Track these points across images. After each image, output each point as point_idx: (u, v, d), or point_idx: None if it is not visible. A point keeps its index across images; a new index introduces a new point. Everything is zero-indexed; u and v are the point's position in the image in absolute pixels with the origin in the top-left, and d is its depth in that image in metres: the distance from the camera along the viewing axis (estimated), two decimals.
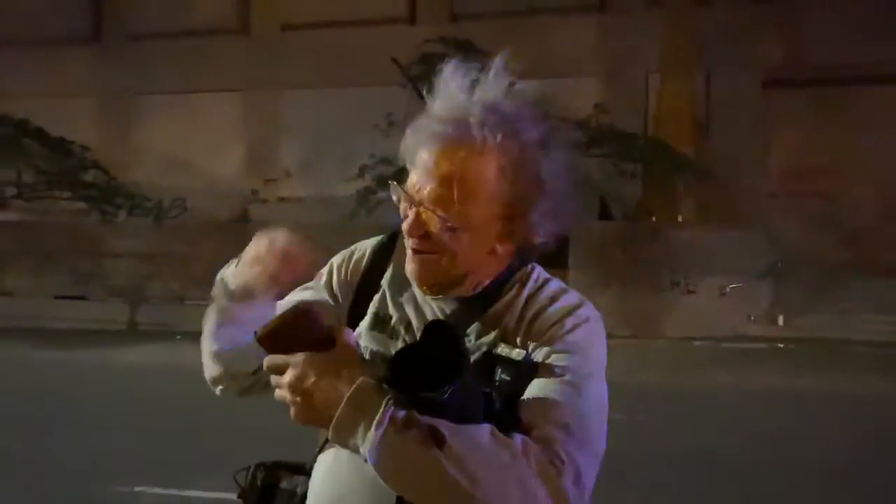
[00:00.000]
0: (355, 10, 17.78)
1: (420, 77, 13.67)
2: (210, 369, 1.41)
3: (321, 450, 1.27)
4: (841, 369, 10.45)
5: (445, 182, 1.17)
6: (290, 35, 18.56)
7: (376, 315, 1.28)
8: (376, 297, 1.31)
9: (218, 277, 1.41)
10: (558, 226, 1.24)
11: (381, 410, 1.03)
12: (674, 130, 15.04)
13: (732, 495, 5.31)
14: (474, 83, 1.21)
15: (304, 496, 1.30)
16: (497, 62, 1.23)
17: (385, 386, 1.05)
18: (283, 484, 1.34)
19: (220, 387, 1.44)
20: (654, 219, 14.76)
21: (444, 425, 1.03)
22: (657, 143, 14.69)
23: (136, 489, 5.20)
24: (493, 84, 1.21)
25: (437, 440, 1.02)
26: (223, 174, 17.83)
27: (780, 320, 13.55)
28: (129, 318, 16.60)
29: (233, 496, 1.38)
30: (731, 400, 9.06)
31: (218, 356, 1.40)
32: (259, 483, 1.35)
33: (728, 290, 13.65)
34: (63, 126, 15.78)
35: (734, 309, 13.56)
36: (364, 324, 1.29)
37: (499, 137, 1.18)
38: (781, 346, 12.47)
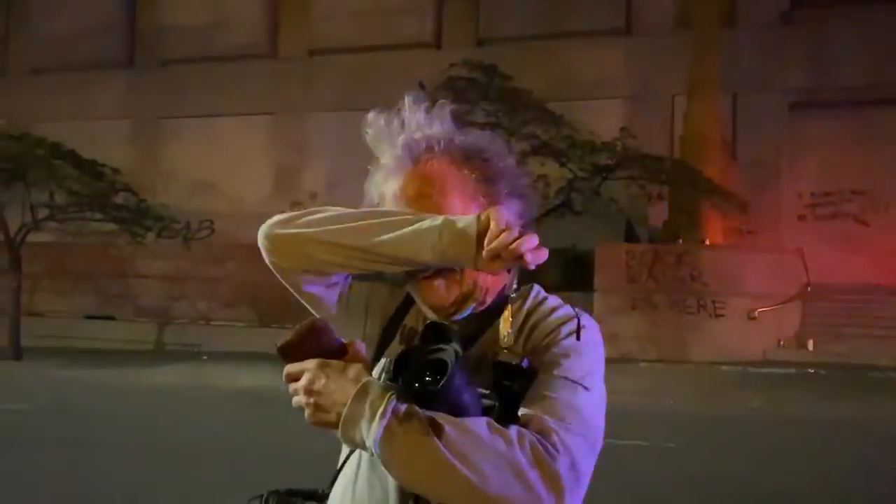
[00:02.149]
0: (382, 34, 18.01)
1: (447, 101, 13.77)
2: None
3: (340, 469, 1.32)
4: (872, 395, 10.24)
5: (422, 195, 1.28)
6: (318, 59, 18.82)
7: (404, 327, 1.34)
8: (409, 314, 1.37)
9: None
10: (523, 204, 1.33)
11: (384, 404, 1.09)
12: (700, 153, 14.97)
13: None
14: (401, 120, 1.33)
15: None
16: (406, 98, 1.35)
17: (388, 383, 1.13)
18: None
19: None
20: (680, 241, 14.65)
21: (442, 417, 1.09)
22: (683, 165, 14.63)
23: None
24: (413, 115, 1.34)
25: (437, 430, 1.08)
26: (250, 197, 18.04)
27: (810, 345, 13.34)
28: (157, 339, 16.76)
29: None
30: (760, 426, 8.91)
31: None
32: None
33: (757, 313, 13.47)
34: (95, 149, 16.07)
35: (763, 333, 13.38)
36: (396, 339, 1.35)
37: (441, 143, 1.30)
38: (811, 371, 12.26)
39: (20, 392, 10.92)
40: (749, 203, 14.57)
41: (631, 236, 15.58)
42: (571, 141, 13.98)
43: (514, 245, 1.14)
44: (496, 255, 1.15)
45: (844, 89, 15.45)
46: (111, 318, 17.25)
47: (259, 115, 18.84)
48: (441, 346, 1.13)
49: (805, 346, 13.37)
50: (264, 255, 1.30)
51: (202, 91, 18.68)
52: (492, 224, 1.16)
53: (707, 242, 14.95)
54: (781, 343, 13.49)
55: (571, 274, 13.85)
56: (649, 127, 15.34)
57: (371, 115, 1.35)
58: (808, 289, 13.84)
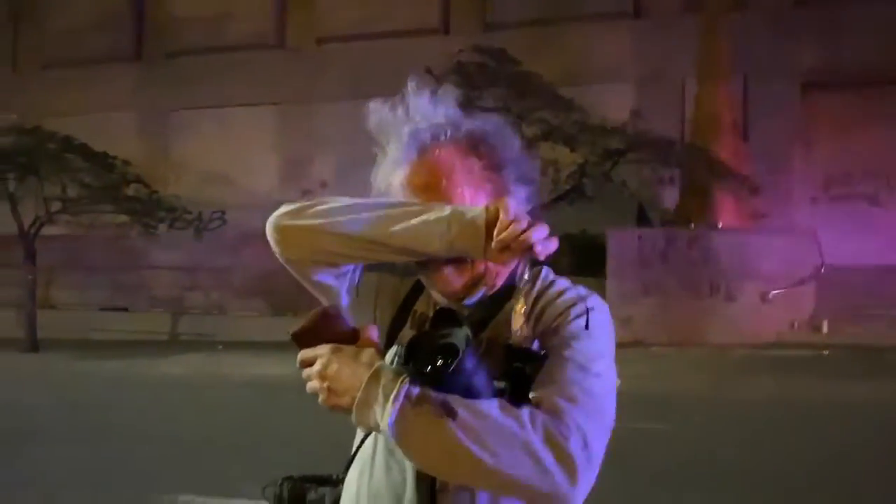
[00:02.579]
0: (389, 21, 17.94)
1: (455, 87, 13.71)
2: None
3: (355, 453, 1.33)
4: (887, 377, 10.19)
5: (429, 185, 1.28)
6: (326, 48, 18.79)
7: (414, 313, 1.35)
8: (419, 300, 1.37)
9: None
10: (530, 189, 1.33)
11: (396, 388, 1.11)
12: (711, 135, 14.87)
13: None
14: (406, 108, 1.32)
15: None
16: (410, 84, 1.33)
17: (400, 367, 1.15)
18: (311, 495, 1.40)
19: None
20: (692, 225, 14.58)
21: (455, 399, 1.11)
22: (695, 148, 14.54)
23: (180, 498, 5.26)
24: (420, 99, 1.32)
25: (449, 412, 1.10)
26: (261, 186, 18.07)
27: (825, 327, 13.27)
28: (171, 329, 16.86)
29: None
30: (774, 409, 8.89)
31: None
32: (286, 496, 1.40)
33: (770, 296, 13.41)
34: (106, 142, 16.13)
35: (776, 315, 13.32)
36: (407, 325, 1.36)
37: (447, 132, 1.30)
38: (826, 353, 12.20)
39: (37, 384, 11.03)
40: (761, 185, 14.48)
41: (643, 220, 15.51)
42: (581, 125, 13.90)
43: (523, 236, 1.14)
44: (506, 247, 1.16)
45: (857, 69, 15.28)
46: (125, 309, 17.37)
47: (268, 104, 18.85)
48: (451, 330, 1.14)
49: (819, 329, 13.30)
50: (273, 246, 1.30)
51: (211, 82, 18.69)
52: (501, 215, 1.16)
53: (720, 226, 14.87)
54: (795, 325, 13.43)
55: (583, 259, 13.80)
56: (660, 110, 15.24)
57: (374, 105, 1.34)
58: (822, 271, 13.75)
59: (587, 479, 1.13)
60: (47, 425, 7.94)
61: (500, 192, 1.29)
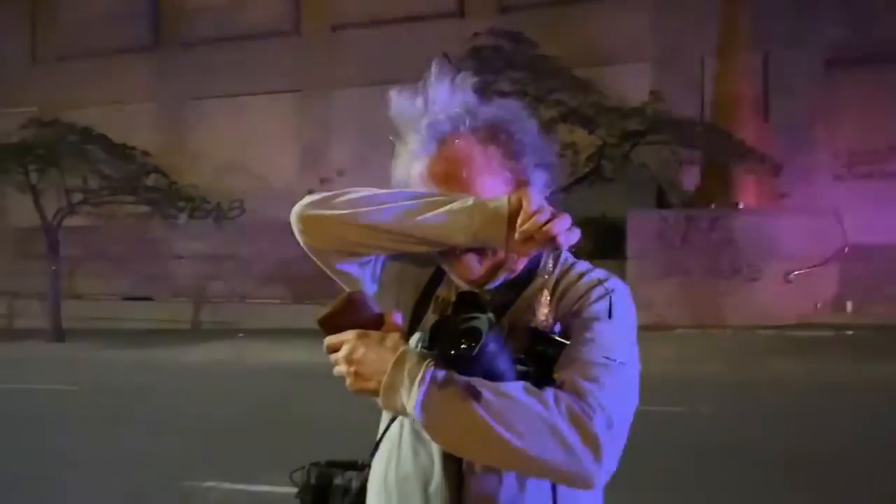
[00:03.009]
0: (404, 6, 17.84)
1: (471, 70, 13.64)
2: None
3: (381, 438, 1.35)
4: None
5: (449, 175, 1.29)
6: (340, 35, 18.73)
7: (437, 298, 1.36)
8: (441, 286, 1.39)
9: None
10: (549, 175, 1.34)
11: (422, 371, 1.13)
12: (732, 114, 14.69)
13: (801, 488, 5.17)
14: (424, 98, 1.33)
15: (358, 490, 1.39)
16: (434, 68, 1.34)
17: (424, 351, 1.17)
18: (337, 480, 1.43)
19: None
20: (713, 206, 14.45)
21: (479, 382, 1.13)
22: (715, 128, 14.37)
23: (206, 484, 5.32)
24: (438, 88, 1.33)
25: (475, 394, 1.12)
26: (279, 175, 18.12)
27: (849, 307, 13.12)
28: (193, 318, 17.02)
29: None
30: (798, 390, 8.82)
31: None
32: (314, 481, 1.43)
33: (793, 276, 13.27)
34: (124, 133, 16.24)
35: (800, 296, 13.19)
36: (429, 311, 1.37)
37: (466, 122, 1.31)
38: (850, 333, 12.08)
39: (65, 372, 11.19)
40: (783, 164, 14.29)
41: (663, 202, 15.38)
42: (599, 107, 13.78)
43: (546, 227, 1.16)
44: (529, 238, 1.17)
45: (881, 43, 14.98)
46: (148, 298, 17.54)
47: (285, 92, 18.84)
48: (474, 314, 1.15)
49: (843, 308, 13.15)
50: (297, 236, 1.33)
51: (227, 71, 18.72)
52: (524, 205, 1.18)
53: (741, 206, 14.72)
54: (819, 306, 13.29)
55: (603, 242, 13.73)
56: (679, 90, 15.06)
57: (393, 95, 1.35)
58: (846, 250, 13.58)
59: (611, 458, 1.14)
60: (74, 412, 8.05)
61: (519, 180, 1.30)
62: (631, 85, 14.60)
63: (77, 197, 15.85)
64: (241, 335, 14.73)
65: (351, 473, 1.42)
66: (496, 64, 13.62)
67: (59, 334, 15.24)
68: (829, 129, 15.62)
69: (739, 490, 5.14)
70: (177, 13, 20.20)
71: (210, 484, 5.32)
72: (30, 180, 15.46)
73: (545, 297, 1.25)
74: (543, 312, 1.23)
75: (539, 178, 1.32)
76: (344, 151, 17.62)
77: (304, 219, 1.30)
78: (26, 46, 21.36)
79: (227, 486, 5.28)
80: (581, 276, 1.30)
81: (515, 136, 1.32)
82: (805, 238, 13.44)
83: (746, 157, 14.09)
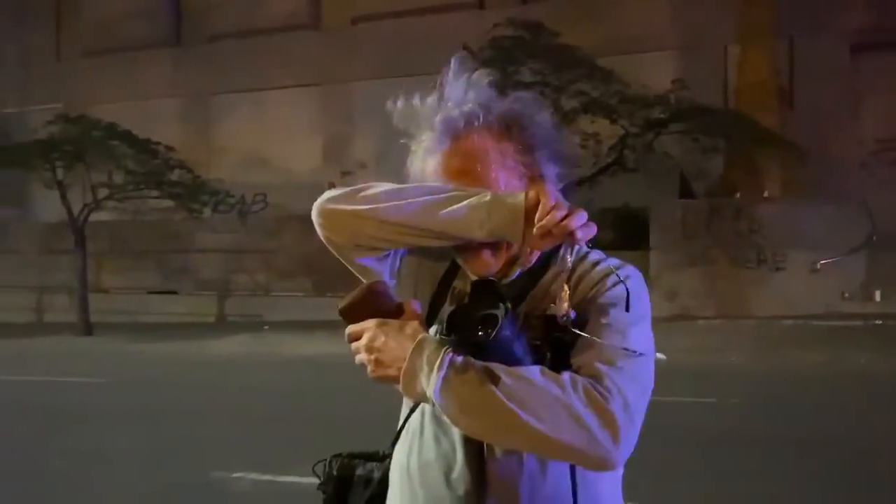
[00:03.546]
0: None
1: (492, 61, 13.59)
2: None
3: (402, 428, 1.37)
4: None
5: (463, 170, 1.31)
6: (361, 27, 18.75)
7: (453, 289, 1.38)
8: (457, 278, 1.41)
9: None
10: (562, 168, 1.37)
11: (440, 357, 1.16)
12: (756, 102, 14.51)
13: (828, 478, 5.13)
14: (440, 94, 1.35)
15: (380, 481, 1.41)
16: (453, 64, 1.36)
17: (443, 337, 1.20)
18: (359, 471, 1.46)
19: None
20: (738, 195, 14.30)
21: (497, 366, 1.15)
22: (739, 116, 14.20)
23: (234, 475, 5.38)
24: (455, 84, 1.35)
25: (493, 378, 1.14)
26: (301, 168, 18.20)
27: (877, 296, 12.94)
28: (218, 311, 17.17)
29: None
30: (825, 381, 8.73)
31: None
32: (336, 473, 1.46)
33: (819, 265, 13.12)
34: (148, 128, 16.38)
35: (827, 285, 13.03)
36: (446, 303, 1.39)
37: (480, 117, 1.33)
38: (879, 322, 11.92)
39: (93, 366, 11.35)
40: (809, 152, 14.11)
41: (686, 192, 15.25)
42: (622, 96, 13.68)
43: (564, 222, 1.18)
44: (546, 233, 1.19)
45: None
46: (173, 292, 17.72)
47: (306, 86, 18.91)
48: (490, 301, 1.18)
49: (871, 298, 12.98)
50: (318, 230, 1.35)
51: (249, 65, 18.81)
52: (542, 201, 1.20)
53: (766, 195, 14.56)
54: (846, 295, 13.12)
55: (626, 232, 13.65)
56: (702, 78, 14.90)
57: (400, 102, 1.37)
58: (874, 238, 13.39)
59: (629, 439, 1.16)
60: (103, 405, 8.17)
61: (533, 174, 1.33)
62: (653, 74, 14.48)
63: (103, 192, 16.03)
64: (265, 328, 14.85)
65: (372, 464, 1.44)
66: (516, 54, 13.56)
67: (87, 328, 15.45)
68: (855, 116, 15.39)
69: (767, 479, 5.10)
70: (199, 9, 20.33)
71: (238, 475, 5.38)
72: (56, 176, 15.66)
73: (566, 291, 1.25)
74: (564, 307, 1.23)
75: (552, 172, 1.34)
76: (365, 144, 17.66)
77: (324, 213, 1.33)
78: (51, 44, 21.62)
79: (255, 476, 5.33)
80: (595, 264, 1.32)
81: (529, 131, 1.34)
82: (832, 226, 13.27)
83: (771, 146, 13.92)
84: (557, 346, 1.22)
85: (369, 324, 1.23)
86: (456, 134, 1.33)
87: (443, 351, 1.17)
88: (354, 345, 1.24)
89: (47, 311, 18.00)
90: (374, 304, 1.24)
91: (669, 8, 16.21)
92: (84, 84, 19.83)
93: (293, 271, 16.55)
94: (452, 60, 1.37)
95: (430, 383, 1.16)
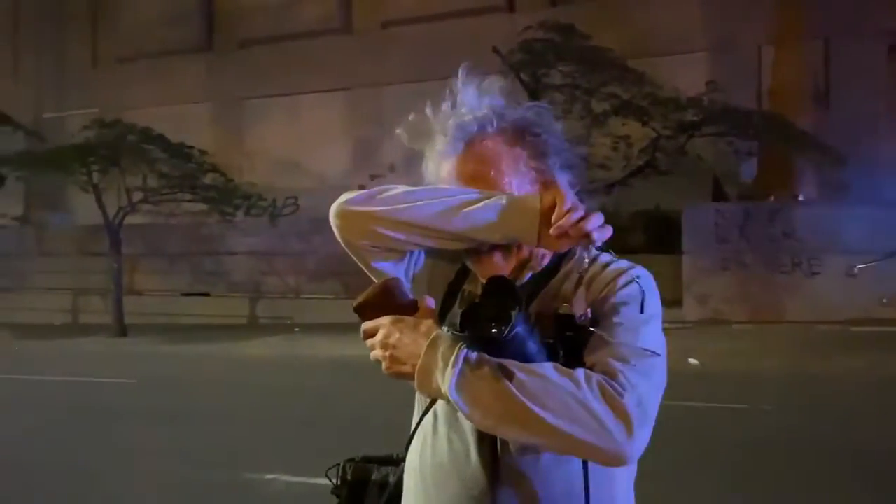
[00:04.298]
0: (454, 1, 17.83)
1: (522, 64, 13.55)
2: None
3: (415, 430, 1.38)
4: None
5: (477, 175, 1.33)
6: (391, 31, 18.82)
7: (464, 292, 1.40)
8: (467, 281, 1.43)
9: None
10: (574, 176, 1.38)
11: (455, 353, 1.17)
12: (791, 104, 14.29)
13: (865, 489, 5.02)
14: (452, 101, 1.37)
15: (395, 485, 1.42)
16: (461, 73, 1.38)
17: (457, 334, 1.20)
18: (374, 476, 1.47)
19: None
20: (772, 198, 14.09)
21: (511, 362, 1.17)
22: (774, 118, 14.00)
23: (267, 476, 5.42)
24: (465, 91, 1.37)
25: (507, 374, 1.15)
26: (332, 172, 18.31)
27: None
28: (250, 313, 17.32)
29: None
30: (863, 388, 8.56)
31: None
32: (350, 477, 1.48)
33: (857, 270, 12.87)
34: (182, 132, 16.58)
35: (864, 290, 12.78)
36: (456, 305, 1.40)
37: (494, 123, 1.35)
38: None
39: (128, 366, 11.51)
40: (845, 154, 13.86)
41: (719, 195, 15.07)
42: (654, 98, 13.56)
43: (581, 224, 1.21)
44: (563, 234, 1.21)
45: None
46: (206, 294, 17.91)
47: (336, 90, 19.03)
48: (504, 298, 1.19)
49: None
50: (335, 231, 1.37)
51: (280, 70, 18.97)
52: (558, 203, 1.22)
53: (801, 198, 14.32)
54: (885, 301, 12.85)
55: (658, 236, 13.52)
56: (735, 80, 14.71)
57: (410, 118, 1.40)
58: None
59: (642, 435, 1.17)
60: (137, 404, 8.28)
61: (545, 180, 1.34)
62: (686, 76, 14.33)
63: (137, 195, 16.26)
64: (296, 330, 14.95)
65: (387, 468, 1.46)
66: (547, 57, 13.51)
67: (121, 329, 15.68)
68: (892, 118, 15.09)
69: (802, 487, 5.02)
70: (231, 15, 20.56)
71: (271, 476, 5.42)
72: (92, 180, 15.91)
73: (581, 293, 1.27)
74: (582, 306, 1.25)
75: (564, 179, 1.36)
76: (395, 147, 17.50)
77: (341, 214, 1.34)
78: (87, 50, 22.00)
79: (288, 478, 5.37)
80: (607, 265, 1.33)
81: (541, 138, 1.36)
82: (869, 230, 13.00)
83: (806, 148, 13.70)
84: (570, 345, 1.23)
85: (384, 320, 1.24)
86: (469, 139, 1.35)
87: (457, 347, 1.18)
88: (370, 341, 1.26)
89: (83, 312, 18.30)
90: (389, 301, 1.26)
91: (701, 9, 16.04)
92: (119, 89, 20.14)
93: (323, 274, 16.63)
94: (460, 69, 1.39)
95: (445, 379, 1.17)
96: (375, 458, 1.49)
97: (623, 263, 1.34)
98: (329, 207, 1.35)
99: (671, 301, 12.47)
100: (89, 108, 18.93)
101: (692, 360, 9.76)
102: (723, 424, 6.49)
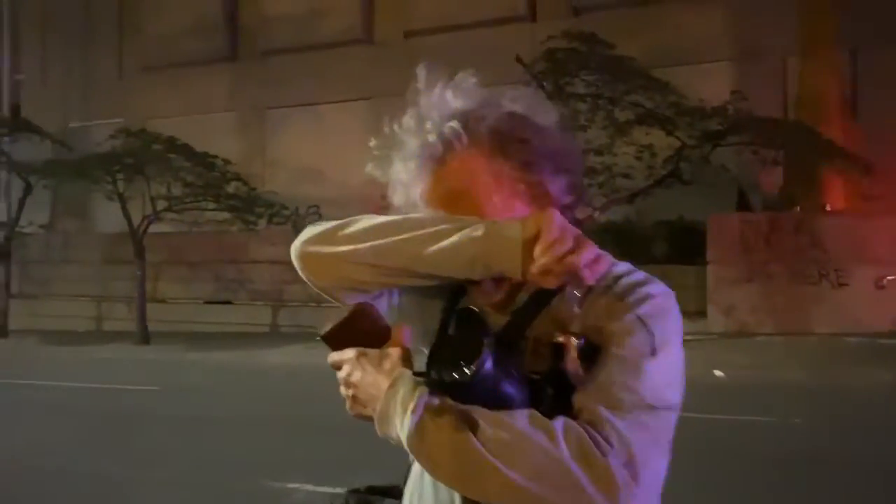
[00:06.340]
0: (476, 11, 17.85)
1: (545, 74, 13.52)
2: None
3: (412, 463, 1.26)
4: None
5: (452, 198, 1.16)
6: (414, 41, 18.87)
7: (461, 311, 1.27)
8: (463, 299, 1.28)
9: None
10: (571, 178, 1.19)
11: (415, 399, 1.03)
12: (818, 113, 14.12)
13: (894, 500, 4.91)
14: (416, 114, 1.21)
15: None
16: (420, 74, 1.23)
17: (416, 378, 1.06)
18: None
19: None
20: (798, 208, 13.92)
21: (478, 411, 1.01)
22: (800, 127, 13.84)
23: (290, 485, 5.40)
24: (429, 95, 1.21)
25: (471, 424, 1.00)
26: (353, 181, 18.32)
27: None
28: (272, 321, 17.39)
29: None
30: (892, 401, 8.39)
31: None
32: None
33: (885, 281, 12.66)
34: (205, 141, 16.74)
35: (892, 302, 12.57)
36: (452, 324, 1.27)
37: (463, 138, 1.16)
38: None
39: (151, 373, 11.59)
40: (874, 164, 13.67)
41: (744, 205, 14.91)
42: (678, 108, 13.47)
43: (567, 259, 1.01)
44: (547, 271, 1.03)
45: None
46: (228, 302, 18.02)
47: (358, 100, 19.11)
48: (474, 332, 1.06)
49: None
50: (300, 272, 1.25)
51: (304, 80, 19.10)
52: (542, 234, 1.03)
53: (828, 208, 14.13)
54: None
55: (682, 246, 13.39)
56: (760, 89, 14.57)
57: (371, 144, 1.29)
58: None
59: (633, 498, 0.99)
60: (160, 411, 8.32)
61: (536, 192, 1.15)
62: (711, 85, 14.22)
63: (161, 204, 16.41)
64: (318, 338, 14.97)
65: (390, 501, 1.34)
66: (570, 66, 13.47)
67: (144, 337, 15.80)
68: None
69: (830, 501, 4.91)
70: (255, 25, 20.75)
71: (294, 485, 5.40)
72: (117, 188, 16.10)
73: (572, 343, 1.06)
74: (573, 357, 1.05)
75: (560, 185, 1.17)
76: None
77: (302, 257, 1.22)
78: (114, 61, 22.30)
79: (311, 487, 5.35)
80: (619, 278, 1.12)
81: (528, 143, 1.15)
82: None
83: (833, 158, 13.53)
84: (562, 381, 1.05)
85: (349, 354, 1.12)
86: (439, 158, 1.16)
87: (417, 392, 1.04)
88: (338, 375, 1.14)
89: (107, 319, 18.48)
90: (359, 329, 1.12)
91: (726, 18, 15.94)
92: (144, 99, 20.38)
93: None
94: (419, 69, 1.23)
95: (403, 427, 1.03)
96: (379, 489, 1.37)
97: (638, 276, 1.13)
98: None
99: (695, 312, 12.34)
100: (115, 117, 19.18)
101: (717, 372, 9.64)
102: (750, 438, 6.38)
